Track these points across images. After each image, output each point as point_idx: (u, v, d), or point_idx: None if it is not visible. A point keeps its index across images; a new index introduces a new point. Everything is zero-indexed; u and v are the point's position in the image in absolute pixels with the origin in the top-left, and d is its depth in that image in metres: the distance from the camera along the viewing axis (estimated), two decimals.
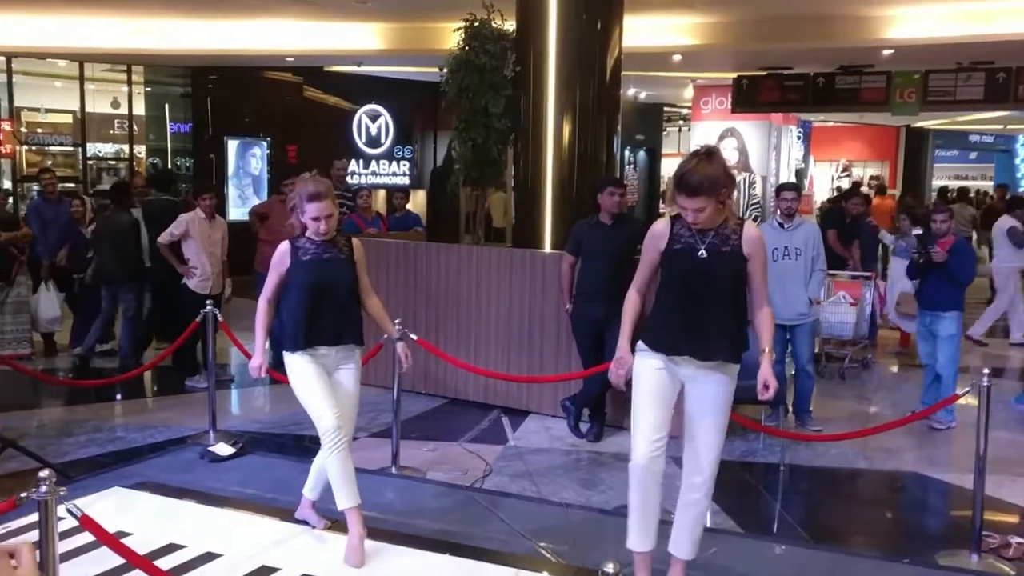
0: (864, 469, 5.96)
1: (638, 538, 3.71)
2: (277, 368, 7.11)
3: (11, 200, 11.82)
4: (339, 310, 4.15)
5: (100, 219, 8.54)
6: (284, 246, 4.22)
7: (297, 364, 4.14)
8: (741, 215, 12.61)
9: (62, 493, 2.83)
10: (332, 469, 4.04)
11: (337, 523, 4.29)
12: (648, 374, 3.68)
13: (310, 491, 4.38)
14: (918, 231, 6.92)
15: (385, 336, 4.63)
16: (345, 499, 4.03)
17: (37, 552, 1.05)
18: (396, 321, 4.74)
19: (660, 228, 3.66)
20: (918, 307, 6.88)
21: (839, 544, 4.69)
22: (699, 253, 3.52)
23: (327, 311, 4.12)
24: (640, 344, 3.73)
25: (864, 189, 16.02)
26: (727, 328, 3.56)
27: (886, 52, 11.14)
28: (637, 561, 3.75)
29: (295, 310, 4.15)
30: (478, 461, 5.74)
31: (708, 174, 3.42)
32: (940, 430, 6.62)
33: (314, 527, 4.36)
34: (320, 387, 4.10)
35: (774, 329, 3.69)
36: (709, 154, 3.51)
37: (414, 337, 5.77)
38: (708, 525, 4.88)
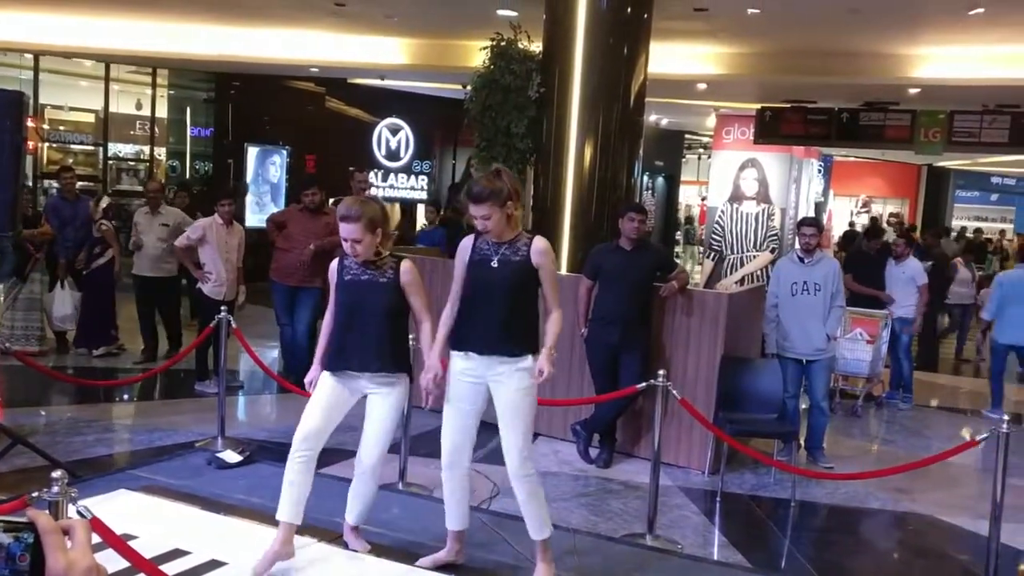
0: (876, 509, 5.89)
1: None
2: (288, 378, 7.11)
3: (29, 196, 11.87)
4: (369, 335, 4.07)
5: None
6: (334, 263, 4.23)
7: (321, 379, 4.18)
8: (769, 248, 12.61)
9: (73, 494, 2.81)
10: (285, 476, 4.10)
11: (376, 546, 4.29)
12: (453, 380, 4.09)
13: (349, 515, 4.31)
14: None
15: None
16: (281, 511, 4.07)
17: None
18: (411, 336, 4.64)
19: (466, 243, 4.11)
20: None
21: None
22: (492, 263, 3.94)
23: (356, 335, 4.07)
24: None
25: (886, 227, 16.00)
26: (513, 328, 3.96)
27: (912, 90, 11.12)
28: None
29: (331, 330, 4.19)
30: (486, 482, 5.69)
31: (492, 186, 3.88)
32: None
33: (356, 551, 4.26)
34: (317, 399, 4.13)
35: (560, 331, 4.02)
36: (497, 172, 3.98)
37: None
38: (715, 558, 4.86)
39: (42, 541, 0.95)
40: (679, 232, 21.79)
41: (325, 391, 4.14)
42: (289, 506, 4.06)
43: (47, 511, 2.78)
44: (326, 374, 4.17)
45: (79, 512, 2.82)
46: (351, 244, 4.02)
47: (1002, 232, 22.23)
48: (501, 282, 3.95)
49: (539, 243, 4.00)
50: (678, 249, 20.54)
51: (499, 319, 3.95)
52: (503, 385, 3.98)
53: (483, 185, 3.90)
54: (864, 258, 9.22)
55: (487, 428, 6.82)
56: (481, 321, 3.97)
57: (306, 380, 4.31)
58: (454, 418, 4.11)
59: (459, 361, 4.07)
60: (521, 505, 4.04)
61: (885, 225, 17.54)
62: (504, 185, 3.89)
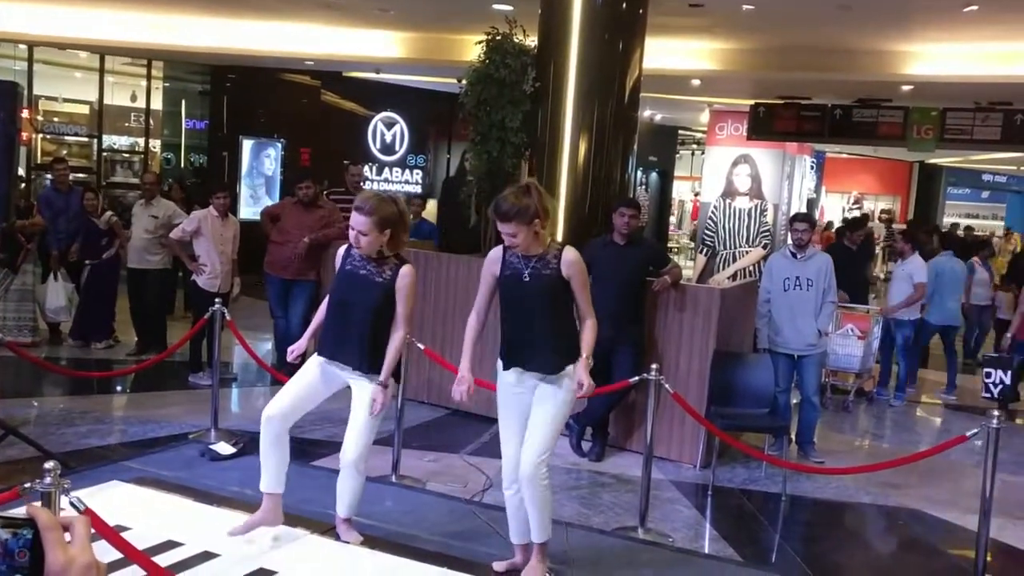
0: (866, 504, 5.93)
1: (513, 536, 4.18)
2: (282, 370, 7.12)
3: (23, 187, 11.84)
4: (355, 329, 4.09)
5: None
6: (342, 249, 4.26)
7: (308, 362, 4.26)
8: (761, 244, 12.64)
9: (66, 485, 2.82)
10: (260, 450, 4.17)
11: (368, 538, 4.30)
12: (503, 396, 4.10)
13: (338, 507, 4.31)
14: None
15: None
16: (263, 482, 4.17)
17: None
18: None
19: (495, 255, 4.04)
20: None
21: None
22: (524, 277, 3.91)
23: (344, 326, 4.11)
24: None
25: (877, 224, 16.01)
26: (551, 341, 3.95)
27: (905, 87, 11.14)
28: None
29: (324, 315, 4.28)
30: (478, 474, 5.72)
31: (519, 203, 3.78)
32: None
33: (348, 543, 4.27)
34: (295, 381, 4.20)
35: (595, 339, 4.01)
36: (527, 188, 3.88)
37: (421, 347, 5.76)
38: (706, 551, 4.89)
39: (42, 537, 0.95)
40: (684, 231, 21.63)
41: (306, 375, 4.21)
42: (268, 477, 4.17)
43: (41, 504, 2.79)
44: (314, 357, 4.24)
45: (72, 504, 2.83)
46: (356, 234, 4.02)
47: (1009, 230, 22.32)
48: (535, 297, 3.93)
49: (569, 254, 3.95)
50: (674, 244, 20.47)
51: (545, 334, 3.94)
52: (547, 393, 3.97)
53: (510, 203, 3.80)
54: (843, 253, 9.13)
55: (483, 420, 6.87)
56: (530, 338, 3.96)
57: (290, 349, 4.38)
58: (513, 436, 4.06)
59: (507, 376, 4.07)
60: (527, 506, 4.00)
61: (877, 221, 17.56)
62: (532, 202, 3.79)
